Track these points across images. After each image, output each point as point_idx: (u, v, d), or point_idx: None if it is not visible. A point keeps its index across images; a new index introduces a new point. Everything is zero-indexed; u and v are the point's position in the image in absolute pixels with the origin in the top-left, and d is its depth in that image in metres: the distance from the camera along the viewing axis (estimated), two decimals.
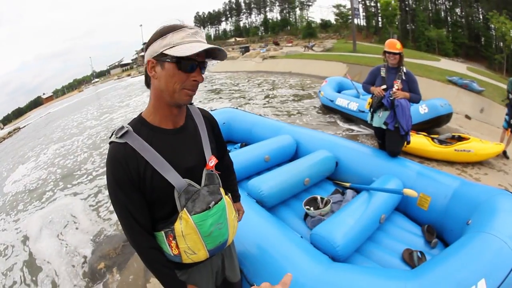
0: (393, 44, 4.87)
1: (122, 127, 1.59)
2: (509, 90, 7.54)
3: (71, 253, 5.41)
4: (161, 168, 1.59)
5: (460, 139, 6.94)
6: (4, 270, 5.44)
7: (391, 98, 4.76)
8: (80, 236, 5.89)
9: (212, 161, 1.80)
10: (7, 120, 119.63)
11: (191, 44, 1.48)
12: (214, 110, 7.07)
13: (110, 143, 1.59)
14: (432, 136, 7.14)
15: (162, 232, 1.68)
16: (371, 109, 5.18)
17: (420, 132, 7.24)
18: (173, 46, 1.47)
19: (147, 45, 1.57)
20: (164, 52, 1.48)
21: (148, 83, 1.65)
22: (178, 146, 1.71)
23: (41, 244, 5.94)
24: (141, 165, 1.56)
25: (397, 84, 4.79)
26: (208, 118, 2.00)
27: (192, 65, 1.52)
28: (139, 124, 1.64)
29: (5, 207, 8.70)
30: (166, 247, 1.71)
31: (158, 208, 1.68)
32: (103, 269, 4.78)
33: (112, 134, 1.61)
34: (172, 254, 1.72)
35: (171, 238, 1.67)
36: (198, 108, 1.99)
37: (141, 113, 1.71)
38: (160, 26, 1.54)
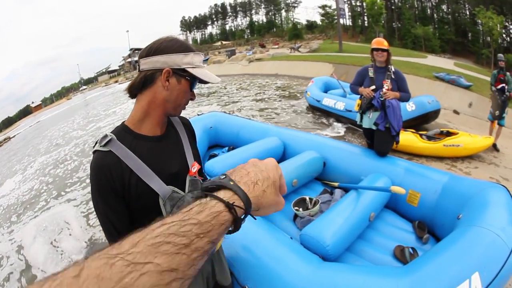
0: (381, 41, 4.86)
1: (106, 136, 1.58)
2: (492, 83, 7.60)
3: (66, 261, 5.40)
4: (145, 175, 1.59)
5: (449, 134, 6.95)
6: (1, 280, 5.43)
7: (381, 99, 4.71)
8: (74, 244, 5.87)
9: (194, 167, 1.82)
10: None
11: (206, 71, 1.66)
12: (201, 114, 7.05)
13: (94, 152, 1.58)
14: (420, 132, 7.15)
15: None
16: (361, 110, 5.12)
17: (408, 129, 7.23)
18: (195, 67, 1.61)
19: (156, 51, 1.58)
20: (186, 68, 1.58)
21: (137, 90, 1.64)
22: (161, 153, 1.71)
23: (36, 253, 5.93)
24: (126, 173, 1.56)
25: (387, 84, 4.75)
26: (188, 126, 2.03)
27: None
28: (123, 132, 1.64)
29: (7, 214, 8.61)
30: None
31: (143, 215, 1.66)
32: None
33: (96, 143, 1.60)
34: None
35: None
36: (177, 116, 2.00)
37: (123, 121, 1.71)
38: (168, 38, 1.63)
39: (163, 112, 1.66)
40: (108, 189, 1.54)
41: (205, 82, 1.67)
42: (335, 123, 10.18)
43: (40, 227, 6.98)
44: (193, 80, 1.64)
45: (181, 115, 1.99)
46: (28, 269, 5.48)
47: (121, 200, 1.58)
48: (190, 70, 1.58)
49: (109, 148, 1.54)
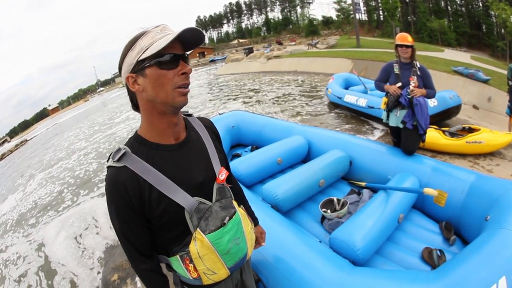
0: (405, 37, 4.77)
1: (119, 149, 1.48)
2: (509, 77, 7.51)
3: (84, 263, 5.51)
4: (167, 189, 1.49)
5: (471, 130, 6.85)
6: (19, 276, 5.68)
7: (409, 97, 4.64)
8: (92, 247, 5.96)
9: (222, 174, 1.72)
10: (14, 132, 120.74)
11: (164, 38, 1.36)
12: (222, 113, 7.03)
13: (108, 167, 1.49)
14: (443, 129, 7.06)
15: (177, 256, 1.61)
16: (387, 108, 5.04)
17: (431, 126, 7.09)
18: (146, 49, 1.37)
19: (119, 66, 1.49)
20: (139, 59, 1.38)
21: (136, 105, 1.55)
22: (183, 162, 1.60)
23: (58, 248, 6.15)
24: (144, 189, 1.46)
25: (413, 81, 4.67)
26: (211, 128, 1.91)
27: (174, 58, 1.40)
28: (137, 144, 1.53)
29: (23, 220, 8.74)
30: (184, 272, 1.64)
31: (169, 230, 1.59)
32: (116, 281, 4.78)
33: (109, 158, 1.50)
34: (191, 278, 1.65)
35: (187, 262, 1.60)
36: (198, 117, 1.90)
37: (136, 131, 1.59)
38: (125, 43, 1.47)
39: (161, 114, 1.49)
40: (125, 207, 1.47)
41: (192, 45, 1.48)
42: (359, 121, 10.10)
43: (67, 223, 7.22)
44: (156, 59, 1.37)
45: (202, 116, 1.94)
46: (48, 263, 5.74)
47: (140, 218, 1.52)
48: (144, 55, 1.37)
49: (124, 163, 1.44)
